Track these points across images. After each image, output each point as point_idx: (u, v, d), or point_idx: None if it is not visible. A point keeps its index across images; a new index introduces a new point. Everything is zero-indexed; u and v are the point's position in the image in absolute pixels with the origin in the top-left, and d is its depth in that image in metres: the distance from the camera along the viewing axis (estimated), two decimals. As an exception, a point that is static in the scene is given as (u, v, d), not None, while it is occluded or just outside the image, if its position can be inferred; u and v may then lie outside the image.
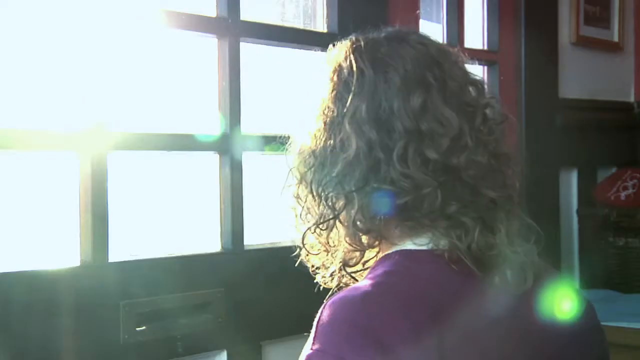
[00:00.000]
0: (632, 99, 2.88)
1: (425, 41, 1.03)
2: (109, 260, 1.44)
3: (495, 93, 2.39)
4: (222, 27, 1.63)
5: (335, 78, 1.01)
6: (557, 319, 1.06)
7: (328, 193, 0.99)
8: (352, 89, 0.99)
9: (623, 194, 2.52)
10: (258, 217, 1.72)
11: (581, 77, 2.63)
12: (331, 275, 1.07)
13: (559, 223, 2.54)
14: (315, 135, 1.01)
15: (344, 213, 0.98)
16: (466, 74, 1.04)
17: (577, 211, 2.60)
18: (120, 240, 1.49)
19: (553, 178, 2.51)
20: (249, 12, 1.69)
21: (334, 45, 1.07)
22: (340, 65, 1.02)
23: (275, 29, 1.78)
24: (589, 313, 1.15)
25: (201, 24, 1.62)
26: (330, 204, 0.99)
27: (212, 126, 1.63)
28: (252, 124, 1.68)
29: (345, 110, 0.98)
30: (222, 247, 1.65)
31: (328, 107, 1.00)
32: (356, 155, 0.97)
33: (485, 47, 2.40)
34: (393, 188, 0.95)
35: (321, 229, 1.02)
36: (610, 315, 2.22)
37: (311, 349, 0.91)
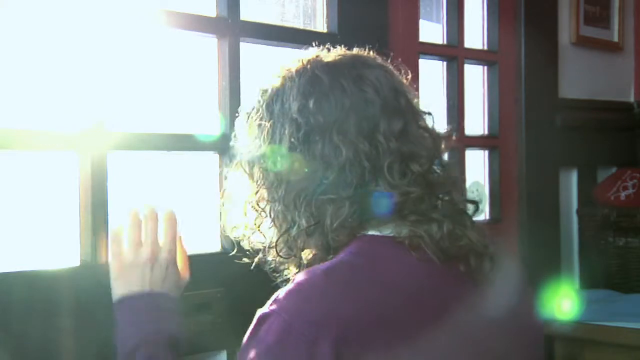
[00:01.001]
0: (632, 98, 2.88)
1: (388, 69, 1.10)
2: (109, 260, 1.44)
3: (495, 93, 2.39)
4: (222, 27, 1.63)
5: (314, 87, 1.05)
6: (509, 307, 1.10)
7: (314, 199, 1.03)
8: (335, 101, 1.03)
9: (623, 194, 2.53)
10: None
11: (581, 77, 2.64)
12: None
13: (559, 223, 2.54)
14: (294, 141, 1.04)
15: (329, 218, 1.02)
16: (418, 102, 1.12)
17: (577, 211, 2.61)
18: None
19: (553, 178, 2.52)
20: (248, 12, 1.69)
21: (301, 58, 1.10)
22: (316, 75, 1.06)
23: (275, 29, 1.78)
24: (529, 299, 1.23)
25: (201, 23, 1.62)
26: (314, 210, 1.03)
27: (212, 126, 1.63)
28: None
29: (331, 121, 1.03)
30: (222, 247, 1.65)
31: (311, 114, 1.03)
32: (344, 164, 1.01)
33: (485, 47, 2.40)
34: (385, 190, 1.02)
35: (296, 234, 1.05)
36: (610, 315, 2.23)
37: (266, 308, 0.96)
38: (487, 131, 2.42)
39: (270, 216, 1.08)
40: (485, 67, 2.40)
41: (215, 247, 1.66)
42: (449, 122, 2.27)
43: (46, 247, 1.48)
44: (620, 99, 2.83)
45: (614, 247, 2.47)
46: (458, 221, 1.05)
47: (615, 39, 2.76)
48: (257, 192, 1.09)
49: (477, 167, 2.42)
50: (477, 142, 2.40)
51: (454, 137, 1.14)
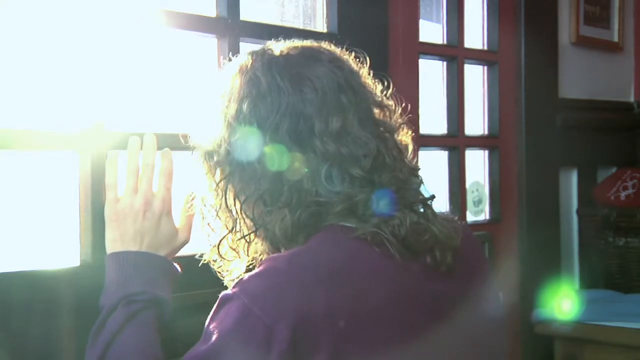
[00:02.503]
0: (632, 98, 2.88)
1: (338, 62, 1.06)
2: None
3: (495, 93, 2.39)
4: (221, 27, 1.64)
5: (251, 90, 1.02)
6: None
7: (253, 207, 1.02)
8: (270, 104, 1.01)
9: (623, 194, 2.53)
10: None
11: (581, 77, 2.64)
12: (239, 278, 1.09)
13: (559, 223, 2.54)
14: (228, 146, 1.03)
15: (272, 225, 1.01)
16: (373, 95, 1.08)
17: (577, 211, 2.61)
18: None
19: (553, 178, 2.52)
20: (248, 12, 1.69)
21: (248, 52, 1.08)
22: (256, 76, 1.03)
23: (275, 29, 1.78)
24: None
25: (201, 23, 1.62)
26: (253, 216, 1.03)
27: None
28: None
29: (265, 126, 1.00)
30: (222, 247, 1.65)
31: (244, 119, 1.01)
32: (279, 172, 1.00)
33: (485, 47, 2.40)
34: (324, 200, 1.00)
35: (240, 240, 1.06)
36: (610, 315, 2.23)
37: (229, 290, 0.97)
38: (487, 131, 2.42)
39: (216, 217, 1.09)
40: (485, 67, 2.40)
41: (215, 247, 1.65)
42: (449, 122, 2.28)
43: (46, 247, 1.48)
44: (620, 99, 2.83)
45: (614, 247, 2.47)
46: (419, 215, 1.03)
47: (615, 39, 2.77)
48: (203, 193, 1.10)
49: (477, 167, 2.42)
50: (477, 142, 2.40)
51: (408, 131, 1.11)
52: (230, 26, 1.63)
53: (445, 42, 2.30)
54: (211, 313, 0.99)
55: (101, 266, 1.42)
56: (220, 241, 1.10)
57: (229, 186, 1.05)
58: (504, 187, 2.41)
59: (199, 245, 1.66)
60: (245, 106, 1.02)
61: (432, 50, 2.22)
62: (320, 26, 1.91)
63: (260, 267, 0.97)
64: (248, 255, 1.09)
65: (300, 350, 0.90)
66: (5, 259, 1.39)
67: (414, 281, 1.01)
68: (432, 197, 1.09)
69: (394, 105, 1.10)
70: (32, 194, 1.49)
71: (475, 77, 2.40)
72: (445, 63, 2.28)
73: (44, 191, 1.50)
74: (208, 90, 1.10)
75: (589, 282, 2.57)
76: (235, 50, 1.63)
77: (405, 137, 1.10)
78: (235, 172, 1.03)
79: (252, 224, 1.05)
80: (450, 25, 2.29)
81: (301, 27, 1.94)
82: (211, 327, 0.97)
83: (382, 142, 1.04)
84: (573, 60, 2.61)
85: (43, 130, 1.39)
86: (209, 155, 1.07)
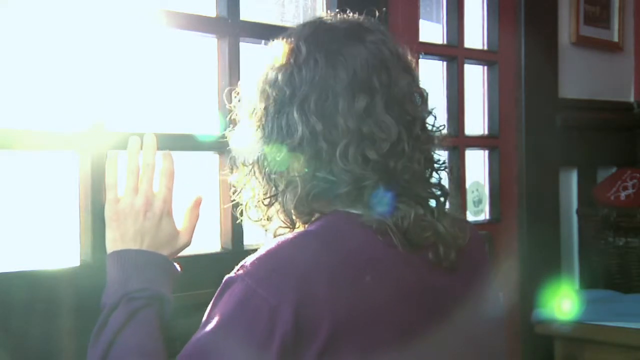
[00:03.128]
0: (631, 98, 2.88)
1: (381, 44, 1.06)
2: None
3: (495, 93, 2.39)
4: (221, 27, 1.64)
5: (289, 58, 1.04)
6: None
7: (271, 174, 1.05)
8: (304, 75, 1.02)
9: (623, 194, 2.53)
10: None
11: (581, 77, 2.64)
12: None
13: (559, 223, 2.54)
14: (261, 113, 1.05)
15: (285, 193, 1.03)
16: (412, 81, 1.08)
17: (577, 211, 2.61)
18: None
19: (553, 178, 2.52)
20: (248, 12, 1.69)
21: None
22: (298, 46, 1.04)
23: (275, 28, 1.78)
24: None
25: (201, 23, 1.62)
26: (273, 183, 1.05)
27: (212, 126, 1.63)
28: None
29: (295, 95, 1.02)
30: (221, 247, 1.66)
31: (279, 87, 1.03)
32: (300, 142, 1.01)
33: (485, 47, 2.40)
34: (334, 178, 1.01)
35: (263, 204, 1.08)
36: (610, 315, 2.23)
37: (233, 273, 0.97)
38: (487, 131, 2.42)
39: (247, 180, 1.11)
40: (485, 67, 2.40)
41: (215, 247, 1.66)
42: (449, 122, 2.28)
43: (46, 247, 1.48)
44: (620, 99, 2.83)
45: (613, 247, 2.47)
46: (427, 210, 1.04)
47: (615, 39, 2.77)
48: (232, 157, 1.13)
49: (477, 167, 2.42)
50: (477, 142, 2.40)
51: (444, 133, 1.11)
52: (230, 26, 1.64)
53: (445, 42, 2.30)
54: (214, 297, 0.99)
55: (101, 266, 1.42)
56: (246, 202, 1.12)
57: (252, 152, 1.07)
58: (504, 187, 2.41)
59: (198, 245, 1.66)
60: (281, 75, 1.03)
61: (432, 50, 2.22)
62: (320, 26, 1.90)
63: (265, 249, 0.98)
64: (268, 220, 1.10)
65: (302, 332, 0.91)
66: (5, 259, 1.39)
67: (415, 274, 1.01)
68: (447, 193, 1.09)
69: (426, 95, 1.09)
70: (32, 194, 1.49)
71: (475, 77, 2.40)
72: (445, 63, 2.29)
73: (44, 191, 1.50)
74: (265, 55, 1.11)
75: (589, 282, 2.57)
76: (235, 51, 1.64)
77: (433, 128, 1.09)
78: (265, 137, 1.05)
79: (269, 189, 1.06)
80: (450, 25, 2.29)
81: (301, 27, 1.93)
82: (214, 310, 0.97)
83: (405, 129, 1.03)
84: (573, 60, 2.61)
85: (43, 130, 1.40)
86: (244, 120, 1.09)
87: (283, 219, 1.07)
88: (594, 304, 2.29)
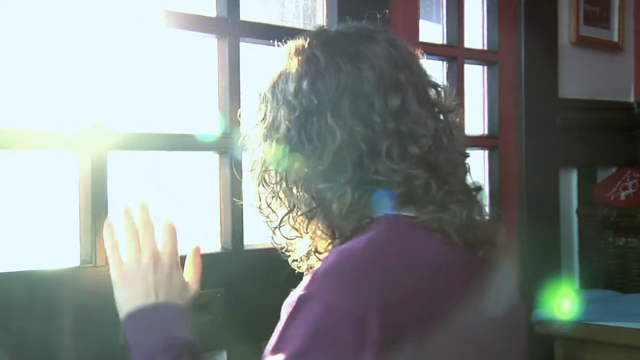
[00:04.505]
0: (631, 98, 2.88)
1: (394, 42, 1.06)
2: (110, 270, 1.44)
3: (495, 93, 2.39)
4: (221, 27, 1.63)
5: (309, 68, 1.02)
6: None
7: (314, 183, 1.01)
8: (329, 82, 1.01)
9: (623, 194, 2.52)
10: (258, 217, 1.72)
11: (581, 77, 2.63)
12: (300, 259, 1.11)
13: (559, 223, 2.54)
14: (288, 124, 1.02)
15: (333, 202, 1.00)
16: (428, 75, 1.09)
17: (577, 211, 2.60)
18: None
19: (553, 178, 2.51)
20: (248, 12, 1.69)
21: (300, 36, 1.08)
22: (314, 55, 1.03)
23: (275, 28, 1.77)
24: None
25: (201, 23, 1.62)
26: (312, 193, 1.02)
27: (212, 126, 1.63)
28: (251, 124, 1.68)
29: (324, 102, 1.00)
30: (222, 247, 1.65)
31: (304, 96, 1.01)
32: (340, 147, 0.99)
33: (485, 47, 2.40)
34: (385, 179, 0.99)
35: (304, 218, 1.04)
36: (610, 315, 2.23)
37: (303, 290, 0.93)
38: (487, 131, 2.42)
39: (276, 197, 1.07)
40: (485, 67, 2.40)
41: (215, 247, 1.66)
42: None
43: (46, 247, 1.48)
44: (620, 99, 2.83)
45: (613, 247, 2.47)
46: (472, 209, 1.03)
47: (615, 39, 2.76)
48: (260, 174, 1.09)
49: (477, 167, 2.41)
50: (477, 142, 2.40)
51: (462, 114, 1.11)
52: (230, 26, 1.63)
53: (445, 42, 2.29)
54: (284, 318, 0.94)
55: (101, 266, 1.42)
56: (282, 220, 1.08)
57: (288, 165, 1.04)
58: (504, 187, 2.40)
59: (195, 243, 1.66)
60: (305, 84, 1.01)
61: (432, 50, 2.22)
62: (320, 26, 1.90)
63: (330, 262, 0.94)
64: (307, 233, 1.07)
65: (390, 338, 0.88)
66: (5, 259, 1.39)
67: (473, 274, 1.02)
68: (480, 187, 1.08)
69: (449, 87, 1.09)
70: (32, 194, 1.49)
71: (475, 77, 2.40)
72: (445, 63, 2.28)
73: (44, 191, 1.50)
74: (263, 73, 1.10)
75: (589, 282, 2.57)
76: (235, 51, 1.63)
77: (459, 119, 1.09)
78: (296, 150, 1.02)
79: (311, 201, 1.02)
80: (450, 25, 2.29)
81: (301, 27, 1.94)
82: (291, 331, 0.91)
83: (438, 122, 1.03)
84: (573, 60, 2.60)
85: (43, 130, 1.39)
86: (267, 134, 1.06)
87: (324, 231, 1.04)
88: (594, 304, 2.29)
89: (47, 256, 1.44)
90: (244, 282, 1.61)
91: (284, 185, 1.05)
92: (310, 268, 1.10)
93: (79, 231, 1.44)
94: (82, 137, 1.41)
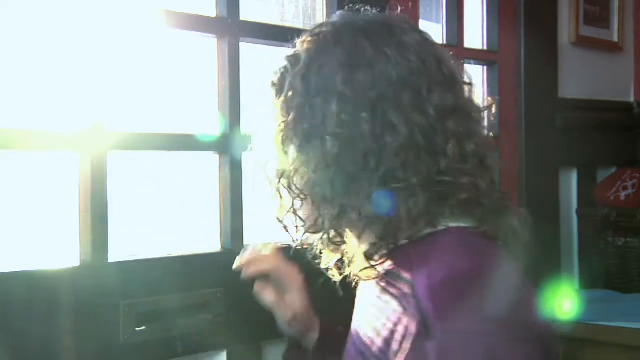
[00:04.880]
0: (631, 98, 2.88)
1: (424, 33, 0.99)
2: (109, 260, 1.44)
3: (495, 93, 2.39)
4: (221, 27, 1.63)
5: (356, 58, 0.92)
6: None
7: (374, 184, 0.91)
8: (380, 73, 0.92)
9: (623, 194, 2.52)
10: (258, 217, 1.72)
11: (581, 77, 2.63)
12: (340, 268, 1.05)
13: (559, 223, 2.54)
14: (343, 118, 0.91)
15: (402, 208, 0.90)
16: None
17: (577, 211, 2.60)
18: (120, 240, 1.49)
19: (553, 178, 2.51)
20: (248, 12, 1.69)
21: (322, 25, 0.98)
22: (358, 44, 0.93)
23: (274, 28, 1.78)
24: None
25: (201, 23, 1.62)
26: (371, 197, 0.91)
27: (212, 126, 1.63)
28: (251, 124, 1.68)
29: (381, 95, 0.91)
30: (222, 246, 1.65)
31: (355, 89, 0.91)
32: (403, 145, 0.90)
33: (485, 47, 2.40)
34: (451, 180, 0.92)
35: (354, 222, 0.94)
36: (610, 315, 2.22)
37: (443, 330, 0.83)
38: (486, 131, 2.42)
39: (314, 199, 0.95)
40: (485, 67, 2.40)
41: (215, 247, 1.66)
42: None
43: (46, 247, 1.48)
44: (620, 99, 2.83)
45: (613, 247, 2.47)
46: (514, 214, 0.99)
47: (615, 39, 2.76)
48: (295, 173, 0.95)
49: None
50: (477, 142, 2.39)
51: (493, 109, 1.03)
52: (230, 26, 1.63)
53: (445, 42, 2.29)
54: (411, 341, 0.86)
55: (100, 266, 1.42)
56: (331, 225, 0.95)
57: (339, 163, 0.92)
58: (504, 187, 2.40)
59: (198, 245, 1.67)
60: (359, 74, 0.91)
61: (432, 50, 2.22)
62: (320, 26, 1.90)
63: (450, 291, 0.85)
64: (360, 239, 0.97)
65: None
66: (5, 259, 1.39)
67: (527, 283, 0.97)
68: (507, 193, 1.03)
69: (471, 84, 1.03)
70: (32, 194, 1.49)
71: (475, 77, 2.39)
72: (445, 63, 2.28)
73: (44, 191, 1.50)
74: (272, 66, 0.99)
75: (588, 282, 2.56)
76: (235, 51, 1.63)
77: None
78: (348, 148, 0.91)
79: (369, 205, 0.91)
80: (450, 25, 2.29)
81: (301, 27, 1.94)
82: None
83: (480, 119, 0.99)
84: (573, 60, 2.60)
85: (43, 130, 1.39)
86: (311, 133, 0.93)
87: (377, 235, 0.93)
88: (594, 304, 2.29)
89: (47, 256, 1.44)
90: (244, 282, 1.61)
91: (334, 186, 0.93)
92: (356, 277, 1.02)
93: (78, 231, 1.44)
94: (82, 137, 1.41)
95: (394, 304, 0.92)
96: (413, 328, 0.85)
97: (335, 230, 0.96)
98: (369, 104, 0.91)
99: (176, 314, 1.52)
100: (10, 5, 1.37)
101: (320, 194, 0.94)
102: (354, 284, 1.06)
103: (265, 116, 0.99)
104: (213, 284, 1.57)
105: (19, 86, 1.42)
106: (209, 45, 1.65)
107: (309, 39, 0.98)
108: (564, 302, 2.28)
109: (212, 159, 1.66)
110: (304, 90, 0.95)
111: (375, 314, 0.96)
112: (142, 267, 1.49)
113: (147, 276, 1.48)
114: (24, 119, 1.40)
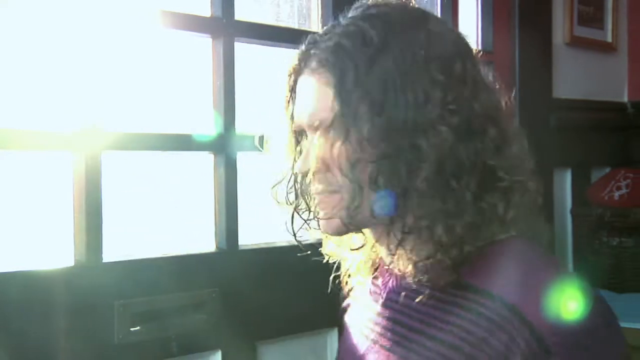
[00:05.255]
0: (625, 99, 2.88)
1: (447, 25, 0.97)
2: (103, 261, 1.44)
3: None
4: (216, 27, 1.63)
5: (442, 48, 0.88)
6: None
7: (441, 182, 0.83)
8: (462, 65, 0.91)
9: (617, 194, 2.53)
10: (253, 217, 1.72)
11: (575, 77, 2.64)
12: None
13: (553, 223, 2.54)
14: (452, 109, 0.86)
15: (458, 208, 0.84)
16: None
17: (571, 211, 2.61)
18: (115, 240, 1.49)
19: (547, 178, 2.52)
20: (243, 12, 1.69)
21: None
22: (439, 34, 0.89)
23: (269, 28, 1.78)
24: None
25: (196, 23, 1.62)
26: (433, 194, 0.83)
27: (207, 126, 1.63)
28: (246, 124, 1.68)
29: (475, 82, 0.91)
30: (216, 246, 1.65)
31: (452, 79, 0.88)
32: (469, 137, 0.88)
33: (480, 47, 2.40)
34: (506, 185, 0.91)
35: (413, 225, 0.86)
36: (604, 314, 2.23)
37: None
38: (481, 131, 2.42)
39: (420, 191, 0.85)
40: (480, 67, 2.40)
41: (209, 246, 1.65)
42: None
43: (40, 247, 1.47)
44: (613, 99, 2.84)
45: (607, 247, 2.48)
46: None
47: (609, 40, 2.77)
48: (375, 162, 0.85)
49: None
50: (471, 142, 2.40)
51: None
52: (224, 26, 1.63)
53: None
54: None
55: (95, 266, 1.42)
56: (398, 225, 0.87)
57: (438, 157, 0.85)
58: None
59: (192, 245, 1.66)
60: (458, 65, 0.88)
61: (426, 51, 2.22)
62: (316, 26, 1.90)
63: (602, 316, 0.91)
64: (403, 248, 0.87)
65: None
66: (0, 259, 1.39)
67: None
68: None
69: None
70: (27, 194, 1.49)
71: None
72: (439, 63, 2.28)
73: (39, 191, 1.50)
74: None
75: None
76: (230, 51, 1.63)
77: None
78: (452, 140, 0.85)
79: (431, 205, 0.83)
80: (445, 26, 2.29)
81: (296, 27, 1.94)
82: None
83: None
84: (567, 60, 2.61)
85: (38, 130, 1.39)
86: (412, 118, 0.84)
87: (433, 247, 0.85)
88: (588, 304, 2.29)
89: (42, 256, 1.44)
90: (239, 281, 1.61)
91: (429, 181, 0.84)
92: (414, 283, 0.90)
93: (72, 231, 1.44)
94: (77, 137, 1.41)
95: (490, 326, 0.86)
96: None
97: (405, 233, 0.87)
98: (464, 92, 0.89)
99: (171, 314, 1.52)
100: (9, 5, 1.36)
101: (423, 188, 0.84)
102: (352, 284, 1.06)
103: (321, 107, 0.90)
104: (208, 284, 1.57)
105: (13, 86, 1.42)
106: (204, 45, 1.65)
107: (395, 28, 0.89)
108: (570, 303, 2.28)
109: (207, 158, 1.66)
110: (393, 67, 0.86)
111: (453, 331, 0.87)
112: (137, 267, 1.49)
113: (141, 276, 1.48)
114: (17, 119, 1.40)
